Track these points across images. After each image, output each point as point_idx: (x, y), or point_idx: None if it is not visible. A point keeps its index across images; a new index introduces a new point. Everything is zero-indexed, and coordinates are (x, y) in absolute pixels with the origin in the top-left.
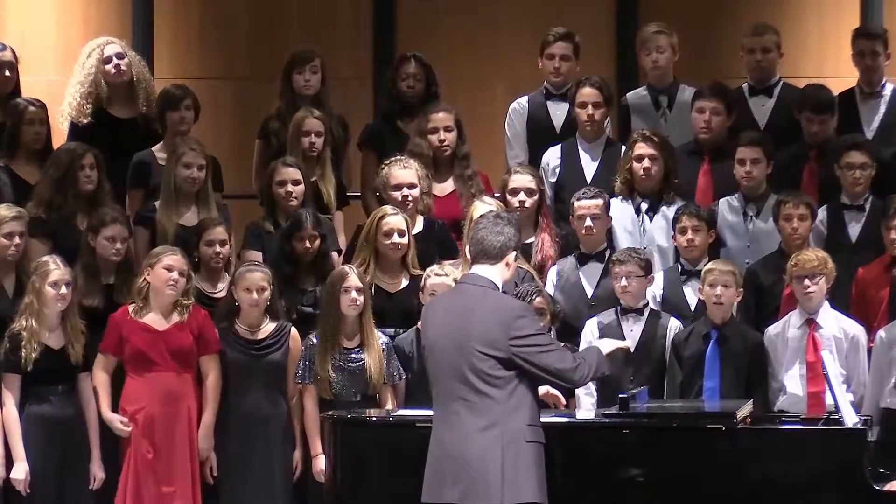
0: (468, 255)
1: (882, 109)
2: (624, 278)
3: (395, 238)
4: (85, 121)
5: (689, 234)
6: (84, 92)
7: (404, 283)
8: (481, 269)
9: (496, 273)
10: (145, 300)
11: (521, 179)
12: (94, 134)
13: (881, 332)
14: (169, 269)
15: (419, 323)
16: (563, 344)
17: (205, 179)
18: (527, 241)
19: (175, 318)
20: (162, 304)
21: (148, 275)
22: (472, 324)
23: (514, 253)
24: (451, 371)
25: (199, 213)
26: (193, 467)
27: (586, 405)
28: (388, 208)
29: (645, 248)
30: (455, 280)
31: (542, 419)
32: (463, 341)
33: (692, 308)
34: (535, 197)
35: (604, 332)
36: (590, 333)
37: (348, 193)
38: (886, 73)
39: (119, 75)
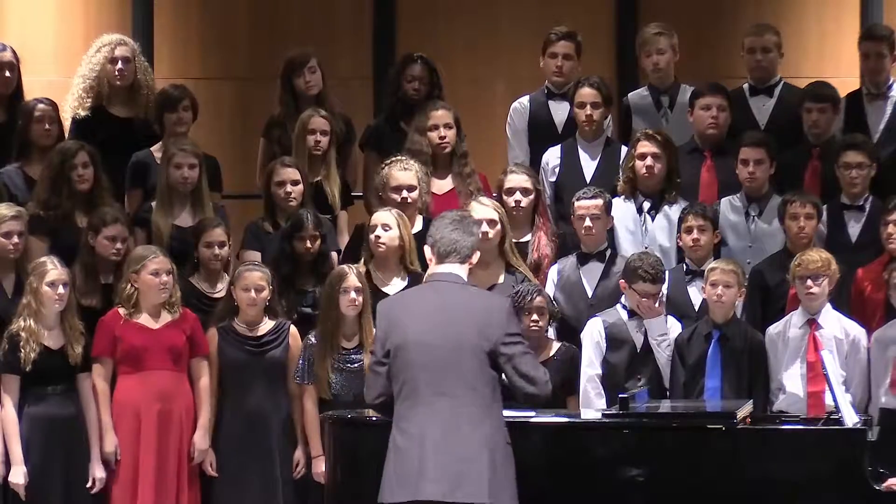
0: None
1: (888, 110)
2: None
3: (379, 232)
4: (83, 113)
5: (695, 234)
6: (86, 86)
7: (401, 284)
8: (452, 268)
9: (464, 271)
10: (135, 305)
11: (517, 179)
12: (91, 129)
13: (876, 333)
14: (156, 273)
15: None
16: (563, 343)
17: (199, 179)
18: (523, 240)
19: (166, 317)
20: (152, 305)
21: (135, 281)
22: (466, 320)
23: (478, 253)
24: (441, 367)
25: (194, 213)
26: (189, 467)
27: (597, 405)
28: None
29: (647, 247)
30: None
31: (542, 419)
32: (460, 337)
33: (696, 308)
34: (531, 196)
35: (609, 332)
36: (596, 333)
37: (352, 193)
38: (893, 73)
39: (122, 78)
